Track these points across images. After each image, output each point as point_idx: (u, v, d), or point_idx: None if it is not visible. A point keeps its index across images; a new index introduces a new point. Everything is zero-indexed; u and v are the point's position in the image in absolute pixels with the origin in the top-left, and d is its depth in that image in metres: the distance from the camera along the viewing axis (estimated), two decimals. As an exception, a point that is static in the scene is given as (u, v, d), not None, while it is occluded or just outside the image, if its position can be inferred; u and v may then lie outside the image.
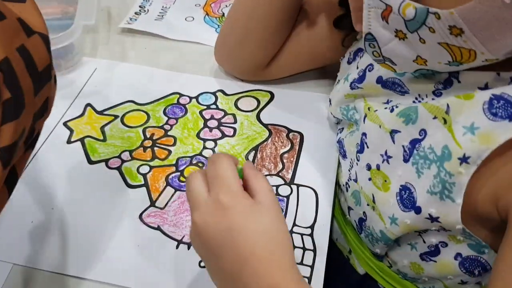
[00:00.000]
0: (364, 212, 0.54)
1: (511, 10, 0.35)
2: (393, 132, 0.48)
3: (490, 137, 0.39)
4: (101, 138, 0.62)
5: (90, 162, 0.60)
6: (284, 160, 0.60)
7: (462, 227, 0.43)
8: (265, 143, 0.62)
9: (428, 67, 0.44)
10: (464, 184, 0.41)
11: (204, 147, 0.62)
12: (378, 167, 0.51)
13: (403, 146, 0.47)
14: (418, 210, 0.46)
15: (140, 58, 0.74)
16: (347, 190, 0.57)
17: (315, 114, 0.66)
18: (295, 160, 0.60)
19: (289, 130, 0.64)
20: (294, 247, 0.52)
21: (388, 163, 0.49)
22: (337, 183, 0.60)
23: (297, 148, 0.62)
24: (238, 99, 0.68)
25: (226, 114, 0.66)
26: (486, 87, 0.42)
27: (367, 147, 0.52)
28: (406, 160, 0.47)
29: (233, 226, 0.40)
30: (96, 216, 0.54)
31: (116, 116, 0.65)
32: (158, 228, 0.53)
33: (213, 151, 0.61)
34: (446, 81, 0.45)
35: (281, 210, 0.46)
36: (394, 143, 0.48)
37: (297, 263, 0.50)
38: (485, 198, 0.42)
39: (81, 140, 0.62)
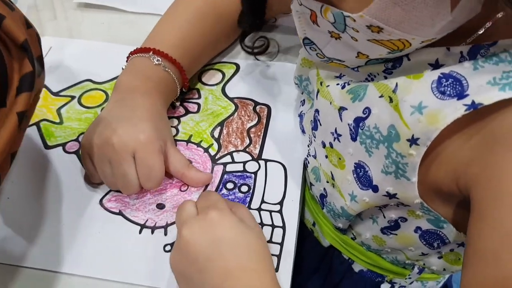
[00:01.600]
0: (324, 189, 0.52)
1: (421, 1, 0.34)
2: (341, 109, 0.46)
3: (438, 117, 0.37)
4: (58, 120, 0.59)
5: (47, 147, 0.56)
6: (251, 135, 0.58)
7: (420, 201, 0.42)
8: (231, 118, 0.59)
9: (371, 58, 0.42)
10: (417, 164, 0.40)
11: (167, 125, 0.59)
12: (331, 145, 0.49)
13: (348, 125, 0.45)
14: (375, 189, 0.44)
15: (98, 34, 0.70)
16: (307, 167, 0.55)
17: (283, 85, 0.63)
18: (262, 134, 0.58)
19: (256, 103, 0.61)
20: (263, 224, 0.50)
21: (339, 141, 0.47)
22: None
23: (264, 121, 0.59)
24: (202, 73, 0.65)
25: (189, 89, 0.62)
26: (436, 63, 0.40)
27: (320, 124, 0.50)
28: (353, 139, 0.45)
29: (222, 239, 0.42)
30: (54, 203, 0.51)
31: (72, 97, 0.62)
32: (119, 213, 0.51)
33: (177, 129, 0.58)
34: (396, 60, 0.43)
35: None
36: (341, 121, 0.46)
37: (267, 241, 0.49)
38: (444, 176, 0.40)
39: (37, 124, 0.59)
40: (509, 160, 0.36)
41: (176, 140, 0.57)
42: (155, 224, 0.50)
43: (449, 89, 0.38)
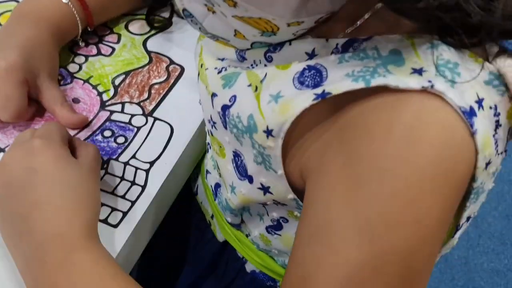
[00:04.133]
0: (219, 178, 0.50)
1: None
2: (213, 95, 0.43)
3: (289, 107, 0.35)
4: (-33, 31, 0.58)
5: None
6: (153, 91, 0.55)
7: (293, 197, 0.39)
8: (139, 70, 0.57)
9: (251, 40, 0.39)
10: (278, 157, 0.37)
11: (72, 61, 0.57)
12: (211, 133, 0.46)
13: (218, 112, 0.42)
14: (250, 180, 0.42)
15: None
16: (207, 151, 0.53)
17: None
18: (164, 93, 0.56)
19: (172, 62, 0.59)
20: (123, 179, 0.48)
21: (216, 128, 0.44)
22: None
23: (171, 81, 0.57)
24: (131, 21, 0.62)
25: (111, 32, 0.60)
26: (312, 53, 0.37)
27: (202, 110, 0.47)
28: (225, 127, 0.42)
29: (37, 168, 0.39)
30: None
31: (-7, 13, 0.60)
32: (-16, 132, 0.49)
33: (80, 66, 0.56)
34: (279, 44, 0.40)
35: (99, 176, 0.44)
36: (213, 108, 0.43)
37: (119, 196, 0.47)
38: (295, 171, 0.38)
39: None
40: (335, 153, 0.34)
41: (74, 77, 0.55)
42: (14, 151, 0.48)
43: (308, 79, 0.35)
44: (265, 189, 0.41)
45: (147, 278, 0.60)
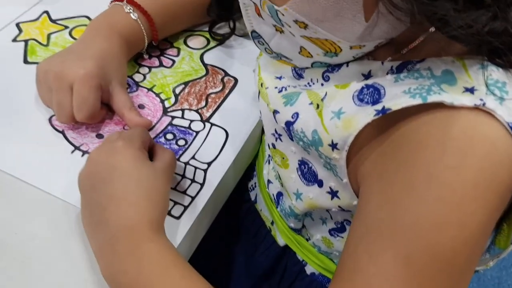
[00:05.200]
0: (281, 187, 0.54)
1: None
2: (275, 112, 0.47)
3: (352, 122, 0.38)
4: (45, 43, 0.64)
5: (26, 62, 0.62)
6: (209, 100, 0.60)
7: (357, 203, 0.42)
8: (197, 80, 0.62)
9: (314, 58, 0.43)
10: (343, 167, 0.41)
11: (137, 71, 0.62)
12: (273, 146, 0.51)
13: (282, 127, 0.46)
14: (320, 184, 0.46)
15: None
16: (269, 163, 0.57)
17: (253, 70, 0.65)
18: (220, 101, 0.60)
19: (226, 74, 0.64)
20: (184, 177, 0.53)
21: (281, 140, 0.49)
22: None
23: (226, 91, 0.62)
24: (189, 36, 0.68)
25: (172, 46, 0.66)
26: (369, 74, 0.41)
27: (264, 125, 0.52)
28: (291, 139, 0.46)
29: (116, 165, 0.44)
30: (13, 109, 0.56)
31: (66, 27, 0.67)
32: (61, 132, 0.55)
33: (144, 76, 0.62)
34: (337, 65, 0.44)
35: (171, 178, 0.49)
36: (277, 123, 0.47)
37: (181, 191, 0.52)
38: (354, 179, 0.42)
39: (26, 41, 0.64)
40: (389, 161, 0.37)
41: (139, 86, 0.61)
42: (88, 149, 0.54)
43: (367, 97, 0.39)
44: (333, 193, 0.44)
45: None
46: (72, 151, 0.53)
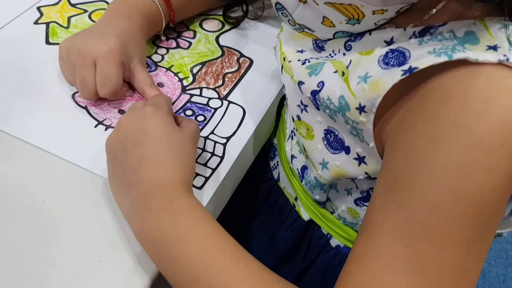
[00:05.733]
0: (305, 160, 0.55)
1: None
2: (299, 83, 0.49)
3: (379, 84, 0.39)
4: (65, 25, 0.66)
5: (48, 43, 0.64)
6: (226, 79, 0.62)
7: None
8: (214, 61, 0.64)
9: (336, 28, 0.44)
10: (370, 130, 0.42)
11: (156, 52, 0.64)
12: (298, 118, 0.52)
13: (308, 97, 0.48)
14: (347, 150, 0.47)
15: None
16: (292, 138, 0.59)
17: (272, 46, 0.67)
18: (236, 80, 0.62)
19: (241, 55, 0.66)
20: (204, 150, 0.54)
21: (307, 111, 0.50)
22: (282, 130, 0.62)
23: (242, 71, 0.64)
24: (204, 20, 0.70)
25: (188, 29, 0.68)
26: (391, 40, 0.42)
27: (287, 98, 0.53)
28: (317, 109, 0.48)
29: (148, 129, 0.46)
30: (39, 86, 0.58)
31: (85, 11, 0.68)
32: (85, 107, 0.57)
33: (162, 57, 0.64)
34: (359, 34, 0.45)
35: (196, 144, 0.50)
36: (302, 93, 0.49)
37: (202, 164, 0.53)
38: (380, 142, 0.43)
39: (47, 23, 0.66)
40: (415, 115, 0.38)
41: (158, 66, 0.62)
42: (111, 124, 0.55)
43: (393, 60, 0.40)
44: (360, 159, 0.46)
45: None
46: (96, 125, 0.55)
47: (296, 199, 0.61)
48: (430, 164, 0.36)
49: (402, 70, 0.38)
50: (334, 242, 0.58)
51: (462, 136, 0.35)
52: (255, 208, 0.66)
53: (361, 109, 0.41)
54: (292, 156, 0.58)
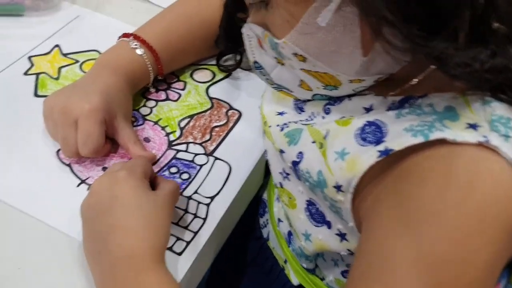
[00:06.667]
0: (290, 227, 0.54)
1: (330, 33, 0.36)
2: (281, 152, 0.48)
3: (356, 164, 0.38)
4: (55, 76, 0.66)
5: (36, 95, 0.63)
6: (213, 133, 0.61)
7: None
8: (202, 114, 0.64)
9: (314, 91, 0.44)
10: (348, 210, 0.41)
11: (144, 105, 0.64)
12: (281, 185, 0.51)
13: (289, 166, 0.47)
14: (329, 225, 0.46)
15: (124, 16, 0.77)
16: (278, 201, 0.57)
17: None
18: (224, 135, 0.61)
19: (231, 107, 0.65)
20: (187, 211, 0.53)
21: (289, 180, 0.49)
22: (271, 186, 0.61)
23: (230, 125, 0.63)
24: (195, 70, 0.69)
25: (178, 80, 0.67)
26: (370, 107, 0.41)
27: (269, 164, 0.52)
28: (298, 179, 0.46)
29: (118, 195, 0.45)
30: (22, 142, 0.58)
31: (77, 61, 0.68)
32: (68, 165, 0.56)
33: (151, 110, 0.63)
34: (339, 98, 0.44)
35: (172, 208, 0.49)
36: (284, 161, 0.48)
37: (183, 226, 0.52)
38: (359, 220, 0.41)
39: (37, 74, 0.66)
40: (389, 196, 0.37)
41: (145, 119, 0.62)
42: (93, 182, 0.55)
43: (370, 135, 0.39)
44: (341, 236, 0.44)
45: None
46: (78, 185, 0.54)
47: (285, 261, 0.59)
48: (402, 251, 0.34)
49: (379, 151, 0.37)
50: None
51: (435, 225, 0.33)
52: (243, 269, 0.64)
53: (338, 187, 0.40)
54: (279, 220, 0.57)
